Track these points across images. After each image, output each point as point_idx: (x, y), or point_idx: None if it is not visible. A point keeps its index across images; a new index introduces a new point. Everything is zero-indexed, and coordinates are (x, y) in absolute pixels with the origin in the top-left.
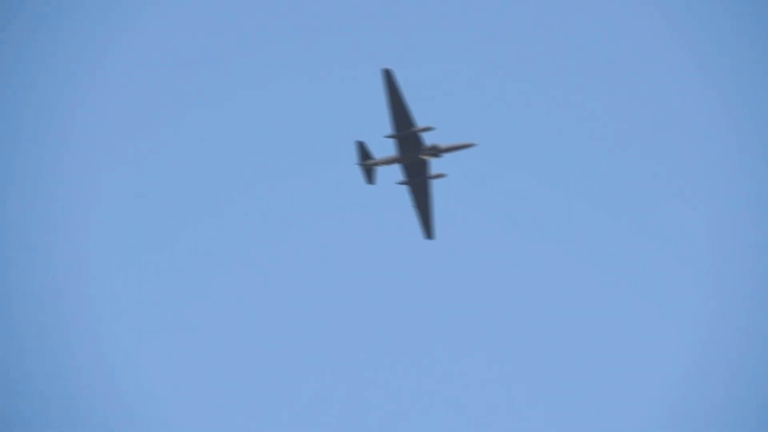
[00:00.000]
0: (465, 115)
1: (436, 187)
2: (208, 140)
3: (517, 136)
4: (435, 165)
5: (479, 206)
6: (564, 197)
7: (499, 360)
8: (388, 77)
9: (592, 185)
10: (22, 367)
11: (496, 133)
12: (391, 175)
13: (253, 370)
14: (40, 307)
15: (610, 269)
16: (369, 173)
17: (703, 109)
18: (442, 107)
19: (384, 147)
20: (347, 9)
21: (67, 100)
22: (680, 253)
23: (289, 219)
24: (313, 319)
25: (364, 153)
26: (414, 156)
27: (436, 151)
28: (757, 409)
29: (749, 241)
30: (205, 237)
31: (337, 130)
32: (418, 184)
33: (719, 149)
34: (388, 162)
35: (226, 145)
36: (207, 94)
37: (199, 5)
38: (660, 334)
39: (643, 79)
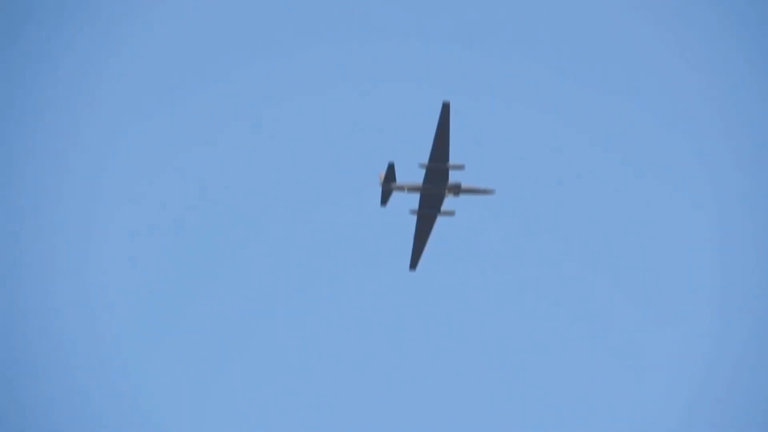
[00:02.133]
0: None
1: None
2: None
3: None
4: (448, 202)
5: (470, 250)
6: (558, 208)
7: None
8: (446, 111)
9: (590, 186)
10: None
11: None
12: (403, 201)
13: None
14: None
15: (610, 280)
16: (387, 195)
17: (703, 110)
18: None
19: (406, 172)
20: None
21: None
22: (682, 257)
23: (287, 222)
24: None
25: (390, 175)
26: (437, 189)
27: (457, 190)
28: (762, 413)
29: (752, 244)
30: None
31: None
32: (428, 216)
33: (720, 149)
34: (411, 189)
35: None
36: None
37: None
38: (662, 340)
39: (642, 80)
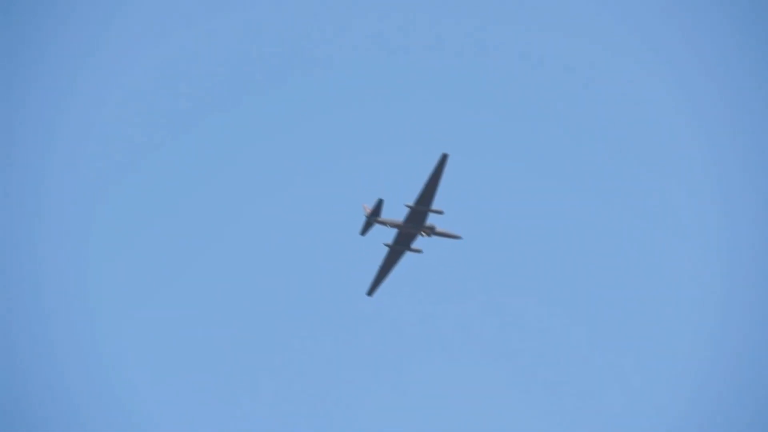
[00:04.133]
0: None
1: (406, 258)
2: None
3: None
4: (419, 241)
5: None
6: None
7: None
8: (443, 161)
9: (587, 186)
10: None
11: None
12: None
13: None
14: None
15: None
16: (369, 226)
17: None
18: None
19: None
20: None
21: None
22: (685, 250)
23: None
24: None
25: (377, 210)
26: (414, 229)
27: (430, 231)
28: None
29: (755, 240)
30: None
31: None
32: (398, 251)
33: (722, 148)
34: (392, 225)
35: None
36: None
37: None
38: (663, 335)
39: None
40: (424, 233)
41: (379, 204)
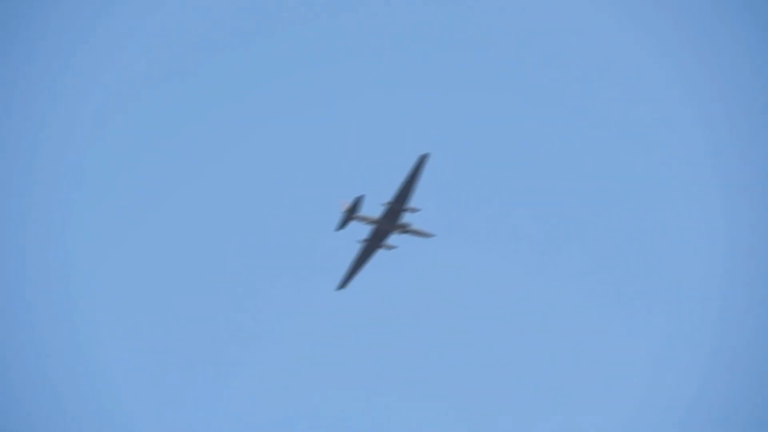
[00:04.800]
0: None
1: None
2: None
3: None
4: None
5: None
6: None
7: None
8: (422, 161)
9: (582, 184)
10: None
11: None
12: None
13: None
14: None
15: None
16: (346, 222)
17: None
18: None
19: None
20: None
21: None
22: (677, 255)
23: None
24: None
25: (356, 207)
26: (389, 226)
27: (405, 229)
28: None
29: (749, 242)
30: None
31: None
32: (372, 247)
33: (719, 148)
34: (368, 221)
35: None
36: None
37: None
38: (657, 336)
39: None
40: (398, 230)
41: (359, 201)
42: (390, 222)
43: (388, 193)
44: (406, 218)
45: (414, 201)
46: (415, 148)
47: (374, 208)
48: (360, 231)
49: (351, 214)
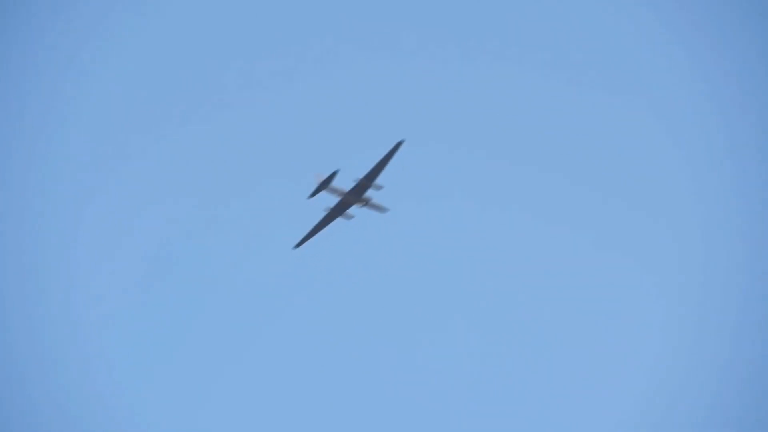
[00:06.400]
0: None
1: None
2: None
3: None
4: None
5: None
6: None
7: None
8: (397, 147)
9: (577, 182)
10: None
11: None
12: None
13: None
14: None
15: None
16: (317, 192)
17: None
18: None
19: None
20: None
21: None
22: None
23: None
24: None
25: (330, 179)
26: (354, 199)
27: (366, 203)
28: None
29: (739, 242)
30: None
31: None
32: (334, 215)
33: (716, 148)
34: (338, 193)
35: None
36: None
37: None
38: (644, 338)
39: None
40: (360, 203)
41: (333, 174)
42: (355, 195)
43: (362, 170)
44: (369, 193)
45: (380, 180)
46: (397, 135)
47: (346, 182)
48: (329, 200)
49: (325, 185)
